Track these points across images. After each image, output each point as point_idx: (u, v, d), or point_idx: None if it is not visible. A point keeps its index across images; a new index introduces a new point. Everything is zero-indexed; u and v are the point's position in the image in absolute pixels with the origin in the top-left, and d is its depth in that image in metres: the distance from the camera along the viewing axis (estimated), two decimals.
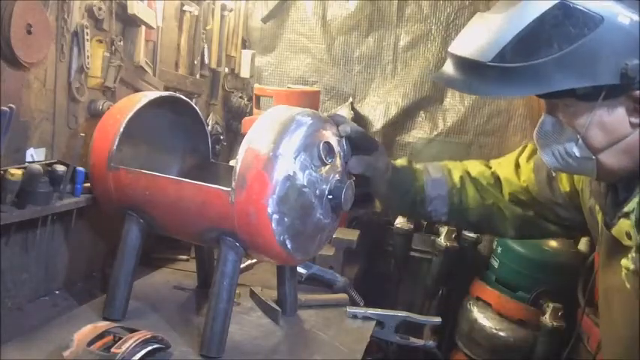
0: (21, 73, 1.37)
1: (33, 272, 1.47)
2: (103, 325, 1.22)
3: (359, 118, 2.64)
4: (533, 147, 1.43)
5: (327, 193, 1.29)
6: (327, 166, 1.28)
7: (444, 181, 1.46)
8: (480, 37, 1.03)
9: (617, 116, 1.00)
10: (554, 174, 1.17)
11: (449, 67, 1.08)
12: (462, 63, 1.05)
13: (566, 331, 2.12)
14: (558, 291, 2.23)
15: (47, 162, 1.44)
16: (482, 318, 2.33)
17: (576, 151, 1.05)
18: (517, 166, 1.44)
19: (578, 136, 1.03)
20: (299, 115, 1.27)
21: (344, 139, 1.34)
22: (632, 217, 1.01)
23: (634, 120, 0.99)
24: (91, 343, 1.15)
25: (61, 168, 1.40)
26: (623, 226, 1.04)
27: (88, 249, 1.68)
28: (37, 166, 1.30)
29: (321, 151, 1.25)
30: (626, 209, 1.03)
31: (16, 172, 1.24)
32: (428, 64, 2.58)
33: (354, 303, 1.74)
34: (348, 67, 2.70)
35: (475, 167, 1.49)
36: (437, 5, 2.55)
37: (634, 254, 1.00)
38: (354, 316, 1.62)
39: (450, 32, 2.54)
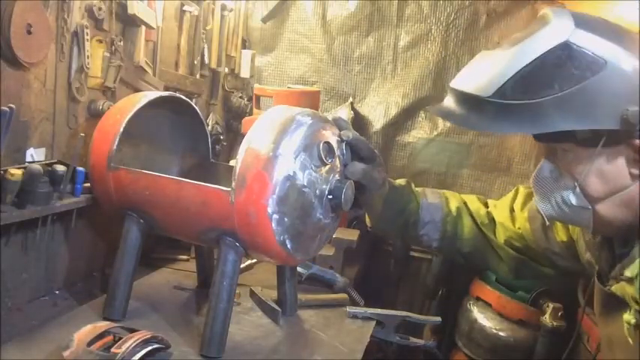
0: (21, 73, 1.37)
1: (33, 272, 1.47)
2: (103, 325, 1.22)
3: (359, 118, 2.64)
4: (525, 192, 1.43)
5: (327, 193, 1.29)
6: (327, 166, 1.28)
7: (440, 207, 1.44)
8: (481, 73, 1.02)
9: (616, 166, 0.98)
10: (547, 223, 1.15)
11: (449, 102, 1.07)
12: (462, 98, 1.04)
13: (566, 331, 2.12)
14: (558, 291, 2.23)
15: (47, 162, 1.44)
16: (483, 318, 2.33)
17: (573, 200, 1.03)
18: (512, 211, 1.42)
19: (576, 184, 1.01)
20: (299, 115, 1.27)
21: (344, 144, 1.34)
22: (637, 283, 0.98)
23: (634, 171, 0.97)
24: (91, 343, 1.14)
25: (61, 168, 1.40)
26: (628, 290, 1.01)
27: (88, 249, 1.68)
28: (37, 166, 1.30)
29: (321, 151, 1.25)
30: (628, 274, 1.00)
31: (16, 172, 1.24)
32: (428, 64, 2.58)
33: (354, 303, 1.74)
34: (348, 67, 2.69)
35: (473, 202, 1.47)
36: (437, 5, 2.55)
37: (637, 307, 0.98)
38: (354, 316, 1.62)
39: (449, 32, 2.54)
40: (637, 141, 0.94)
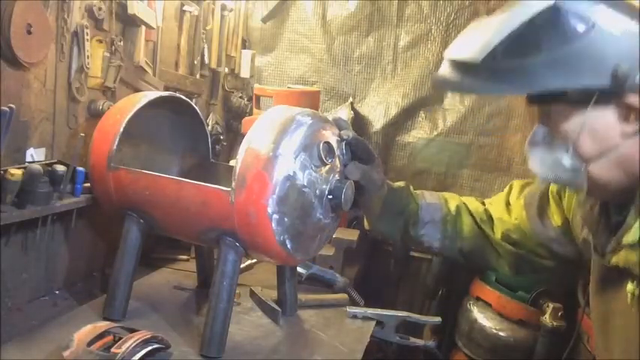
0: (21, 73, 1.37)
1: (33, 272, 1.47)
2: (103, 325, 1.22)
3: (359, 118, 2.64)
4: (520, 184, 1.45)
5: (327, 193, 1.29)
6: (327, 166, 1.28)
7: (440, 207, 1.45)
8: (473, 39, 1.04)
9: (608, 123, 0.98)
10: (542, 185, 1.17)
11: (444, 71, 1.09)
12: (456, 65, 1.06)
13: (566, 331, 2.12)
14: (558, 291, 2.23)
15: (47, 162, 1.44)
16: (483, 318, 2.33)
17: (567, 161, 1.04)
18: (507, 204, 1.44)
19: (569, 145, 1.02)
20: (299, 115, 1.27)
21: (344, 144, 1.34)
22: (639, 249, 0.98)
23: (626, 129, 0.98)
24: (91, 343, 1.15)
25: (61, 168, 1.40)
26: (631, 258, 1.01)
27: (88, 249, 1.68)
28: (37, 166, 1.30)
29: (321, 151, 1.25)
30: (629, 240, 1.00)
31: (16, 172, 1.24)
32: (428, 64, 2.58)
33: (354, 303, 1.74)
34: (348, 67, 2.69)
35: (471, 202, 1.49)
36: (437, 5, 2.55)
37: None
38: (354, 316, 1.62)
39: (450, 32, 2.53)
40: (629, 98, 0.95)
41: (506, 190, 1.48)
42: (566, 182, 1.14)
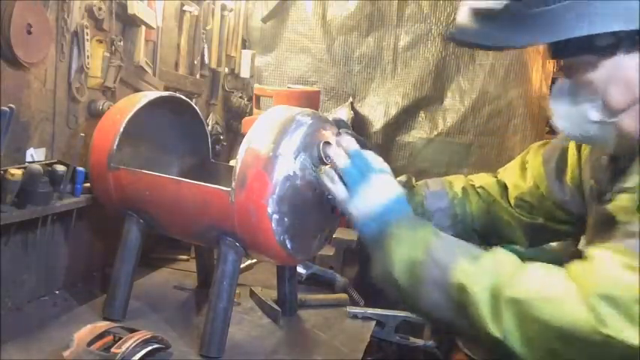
0: (21, 73, 1.37)
1: (33, 272, 1.47)
2: (103, 325, 1.22)
3: (359, 118, 2.64)
4: (539, 144, 1.40)
5: (327, 193, 1.29)
6: (327, 166, 1.28)
7: (444, 193, 1.42)
8: None
9: (638, 70, 0.93)
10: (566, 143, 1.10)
11: (462, 19, 1.02)
12: (475, 12, 0.99)
13: None
14: None
15: (47, 162, 1.43)
16: None
17: (595, 115, 0.99)
18: (523, 168, 1.40)
19: (597, 97, 0.97)
20: (299, 115, 1.27)
21: None
22: (638, 192, 0.94)
23: None
24: (91, 343, 1.15)
25: (61, 168, 1.40)
26: (623, 201, 0.97)
27: (88, 249, 1.68)
28: (37, 166, 1.30)
29: (321, 151, 1.25)
30: (630, 184, 0.96)
31: (16, 172, 1.24)
32: (428, 64, 2.58)
33: (354, 303, 1.74)
34: (348, 67, 2.69)
35: (481, 179, 1.45)
36: (437, 5, 2.55)
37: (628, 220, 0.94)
38: (354, 316, 1.62)
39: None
40: None
41: (523, 152, 1.43)
42: (594, 138, 1.06)
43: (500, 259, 0.96)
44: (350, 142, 1.16)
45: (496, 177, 1.46)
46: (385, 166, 1.16)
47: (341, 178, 1.14)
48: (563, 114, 1.04)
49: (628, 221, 0.93)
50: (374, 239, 1.11)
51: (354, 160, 1.13)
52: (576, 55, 0.98)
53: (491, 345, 0.93)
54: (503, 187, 1.42)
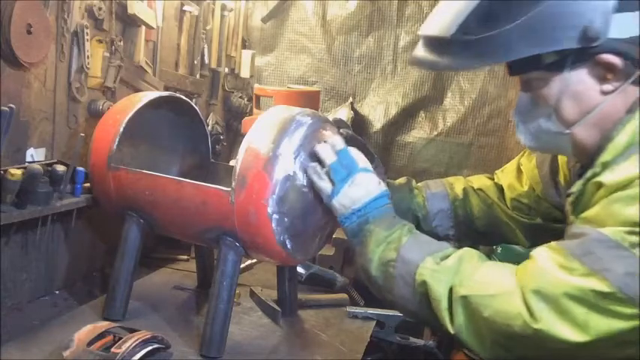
0: (21, 73, 1.37)
1: (33, 272, 1.47)
2: (103, 325, 1.22)
3: (359, 118, 2.64)
4: None
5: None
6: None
7: (446, 194, 1.45)
8: (443, 15, 1.05)
9: (587, 84, 0.99)
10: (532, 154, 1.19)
11: (419, 50, 1.09)
12: (429, 42, 1.07)
13: None
14: None
15: (47, 162, 1.44)
16: None
17: (550, 126, 1.05)
18: (519, 171, 1.42)
19: (551, 110, 1.03)
20: (299, 115, 1.27)
21: None
22: (572, 197, 1.03)
23: (605, 87, 0.98)
24: (91, 343, 1.15)
25: (61, 168, 1.39)
26: (567, 204, 1.06)
27: (88, 249, 1.68)
28: (37, 166, 1.30)
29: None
30: (574, 189, 1.03)
31: (16, 172, 1.24)
32: None
33: (354, 303, 1.74)
34: (348, 67, 2.69)
35: (478, 181, 1.48)
36: (437, 5, 2.54)
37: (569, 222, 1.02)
38: (354, 316, 1.62)
39: None
40: (604, 56, 0.95)
41: (518, 156, 1.46)
42: (553, 148, 1.14)
43: (464, 258, 1.02)
44: (337, 140, 1.22)
45: (493, 179, 1.48)
46: (368, 165, 1.22)
47: (328, 174, 1.20)
48: (523, 127, 1.10)
49: (571, 223, 1.00)
50: (354, 234, 1.18)
51: (341, 158, 1.19)
52: (527, 72, 1.04)
53: (452, 338, 1.00)
54: (500, 190, 1.44)
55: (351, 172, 1.18)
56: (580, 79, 0.99)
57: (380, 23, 2.63)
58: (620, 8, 0.92)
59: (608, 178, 0.94)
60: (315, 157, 1.24)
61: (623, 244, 0.86)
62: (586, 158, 1.06)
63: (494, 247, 2.39)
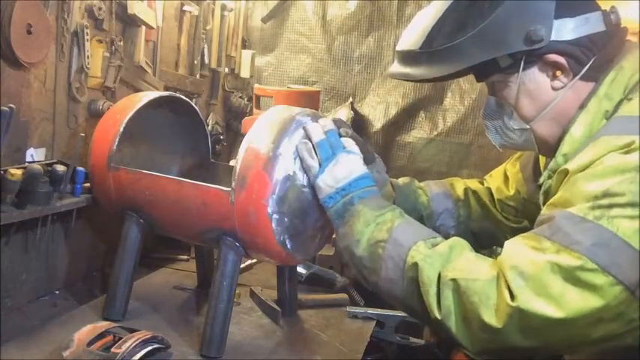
0: (21, 73, 1.37)
1: (33, 272, 1.47)
2: (103, 325, 1.22)
3: (359, 118, 2.64)
4: (518, 155, 1.49)
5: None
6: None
7: (449, 195, 1.50)
8: (412, 31, 1.15)
9: (539, 83, 1.09)
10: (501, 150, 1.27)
11: (395, 65, 1.20)
12: (401, 56, 1.18)
13: None
14: None
15: (47, 162, 1.44)
16: None
17: (513, 123, 1.15)
18: (505, 177, 1.48)
19: (512, 109, 1.13)
20: (299, 115, 1.27)
21: None
22: (542, 189, 1.11)
23: (555, 84, 1.08)
24: (91, 343, 1.15)
25: (61, 168, 1.40)
26: (539, 196, 1.13)
27: (88, 249, 1.68)
28: (37, 166, 1.30)
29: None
30: (541, 180, 1.12)
31: (16, 172, 1.24)
32: None
33: (354, 303, 1.74)
34: (348, 67, 2.69)
35: (472, 183, 1.54)
36: None
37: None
38: (354, 316, 1.62)
39: None
40: (551, 56, 1.05)
41: (505, 162, 1.53)
42: (520, 145, 1.20)
43: (454, 246, 1.05)
44: (328, 122, 1.26)
45: (483, 183, 1.54)
46: (356, 149, 1.23)
47: (316, 153, 1.21)
48: (491, 127, 1.20)
49: (540, 213, 1.05)
50: (339, 214, 1.18)
51: (329, 137, 1.22)
52: (488, 76, 1.15)
53: (435, 327, 1.02)
54: (491, 193, 1.50)
55: (335, 151, 1.20)
56: (533, 78, 1.09)
57: (380, 23, 2.63)
58: (559, 15, 1.03)
59: (572, 165, 1.00)
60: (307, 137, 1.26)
61: (588, 218, 0.91)
62: (552, 153, 1.13)
63: (494, 247, 2.40)
